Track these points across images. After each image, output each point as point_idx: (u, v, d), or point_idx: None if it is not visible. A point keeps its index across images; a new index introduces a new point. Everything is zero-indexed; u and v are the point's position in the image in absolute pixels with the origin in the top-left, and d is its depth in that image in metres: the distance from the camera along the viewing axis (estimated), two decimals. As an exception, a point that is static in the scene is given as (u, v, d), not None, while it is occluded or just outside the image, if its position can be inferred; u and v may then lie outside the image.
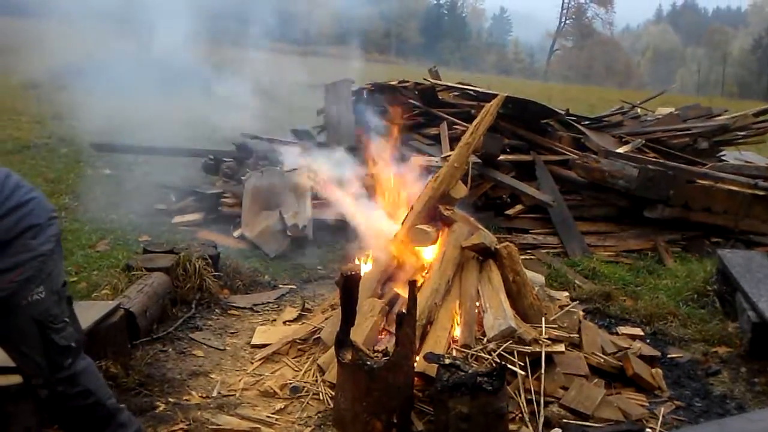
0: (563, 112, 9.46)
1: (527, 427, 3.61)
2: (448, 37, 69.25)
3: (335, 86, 9.76)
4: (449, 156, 5.62)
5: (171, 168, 10.31)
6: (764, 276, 5.34)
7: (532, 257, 6.76)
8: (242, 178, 8.06)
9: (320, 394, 3.88)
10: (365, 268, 4.64)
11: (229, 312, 5.28)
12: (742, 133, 10.33)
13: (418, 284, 4.20)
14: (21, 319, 2.67)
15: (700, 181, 7.61)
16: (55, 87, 14.62)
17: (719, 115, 10.85)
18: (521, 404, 3.70)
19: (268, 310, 5.40)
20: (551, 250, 7.06)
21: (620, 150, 8.47)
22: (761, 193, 7.73)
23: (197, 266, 5.31)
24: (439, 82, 10.53)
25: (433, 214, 4.62)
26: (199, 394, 3.95)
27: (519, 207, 7.76)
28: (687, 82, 48.69)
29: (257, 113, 14.93)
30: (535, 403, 3.72)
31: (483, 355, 3.79)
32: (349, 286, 3.39)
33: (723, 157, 10.30)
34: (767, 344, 4.60)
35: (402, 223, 4.66)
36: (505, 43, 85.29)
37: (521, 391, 3.75)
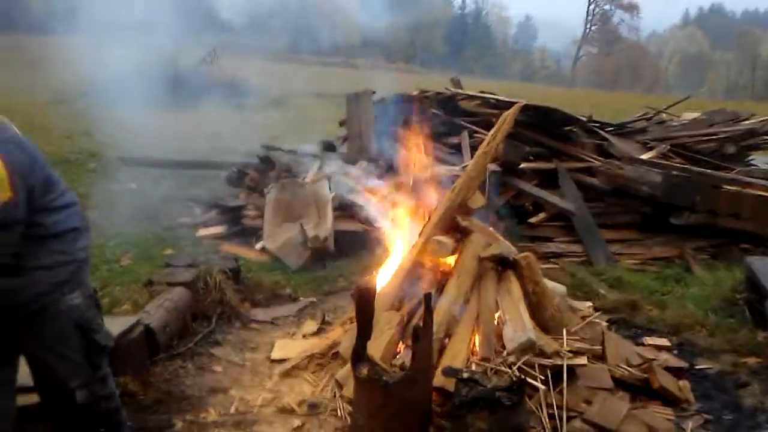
0: (585, 119, 9.33)
1: (549, 442, 3.52)
2: (473, 46, 69.09)
3: (356, 97, 9.77)
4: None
5: (196, 181, 10.43)
6: (794, 284, 5.19)
7: (555, 266, 6.64)
8: (264, 190, 8.07)
9: (338, 410, 3.83)
10: (383, 280, 4.57)
11: (249, 326, 5.24)
12: (771, 138, 10.11)
13: (436, 296, 4.13)
14: (62, 323, 2.78)
15: (727, 187, 7.43)
16: (86, 103, 14.83)
17: (746, 119, 10.64)
18: (543, 419, 3.60)
19: (288, 324, 5.36)
20: (575, 259, 6.93)
21: (644, 156, 8.32)
22: (790, 198, 7.54)
23: (218, 280, 5.28)
24: (460, 90, 10.47)
25: (451, 224, 4.54)
26: (217, 412, 3.91)
27: (542, 215, 7.64)
28: (716, 87, 48.04)
29: (281, 125, 15.05)
30: (557, 417, 3.62)
31: (503, 368, 3.70)
32: (364, 299, 3.33)
33: (752, 162, 10.08)
34: None
35: (420, 235, 4.59)
36: (530, 50, 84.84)
37: (543, 405, 3.65)
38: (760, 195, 7.42)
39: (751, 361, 4.77)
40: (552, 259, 6.87)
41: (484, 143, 4.74)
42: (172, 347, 4.61)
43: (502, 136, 4.74)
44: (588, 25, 71.93)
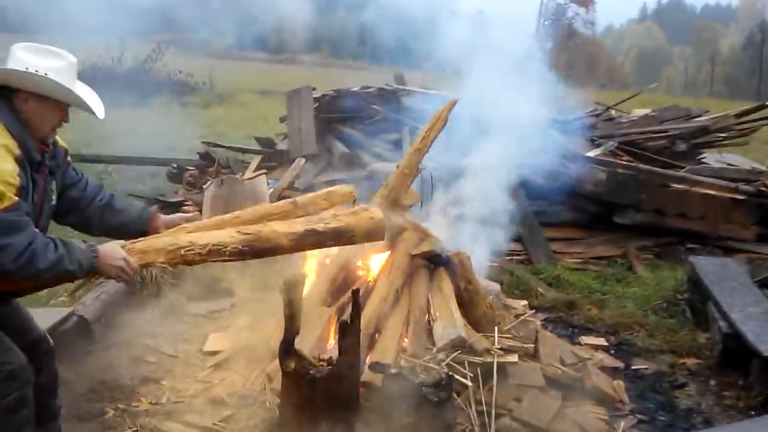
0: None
1: (477, 439, 3.71)
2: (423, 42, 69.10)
3: (296, 93, 10.09)
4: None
5: (140, 177, 10.97)
6: (738, 284, 5.45)
7: (494, 264, 6.87)
8: (203, 186, 8.24)
9: (267, 402, 4.00)
10: (314, 275, 4.72)
11: (183, 319, 5.42)
12: (724, 135, 10.52)
13: (367, 293, 4.29)
14: None
15: (675, 186, 7.76)
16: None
17: (699, 116, 11.05)
18: (471, 416, 3.79)
19: (223, 317, 5.55)
20: (515, 257, 7.16)
21: (590, 153, 8.63)
22: (741, 197, 7.89)
23: (154, 274, 5.58)
24: (402, 86, 10.72)
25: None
26: (149, 401, 4.13)
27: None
28: (674, 82, 49.45)
29: (225, 122, 16.08)
30: (486, 414, 3.81)
31: (432, 365, 3.88)
32: (292, 293, 3.47)
33: (703, 160, 10.49)
34: (738, 356, 4.68)
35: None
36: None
37: (472, 402, 3.85)
38: (708, 194, 7.77)
39: (690, 362, 5.06)
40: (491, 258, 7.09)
41: (418, 140, 4.93)
42: (108, 338, 4.85)
43: (436, 133, 4.92)
44: (541, 19, 72.95)
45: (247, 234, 3.21)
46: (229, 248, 3.14)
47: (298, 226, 3.34)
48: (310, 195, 3.77)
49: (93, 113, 3.02)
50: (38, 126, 2.88)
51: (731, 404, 4.49)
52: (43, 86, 2.82)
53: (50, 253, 2.69)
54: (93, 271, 2.88)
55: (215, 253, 3.11)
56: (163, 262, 3.02)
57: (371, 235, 3.48)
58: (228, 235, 3.19)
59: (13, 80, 2.80)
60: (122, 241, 3.08)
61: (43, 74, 2.80)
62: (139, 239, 3.13)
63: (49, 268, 2.69)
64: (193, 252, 3.06)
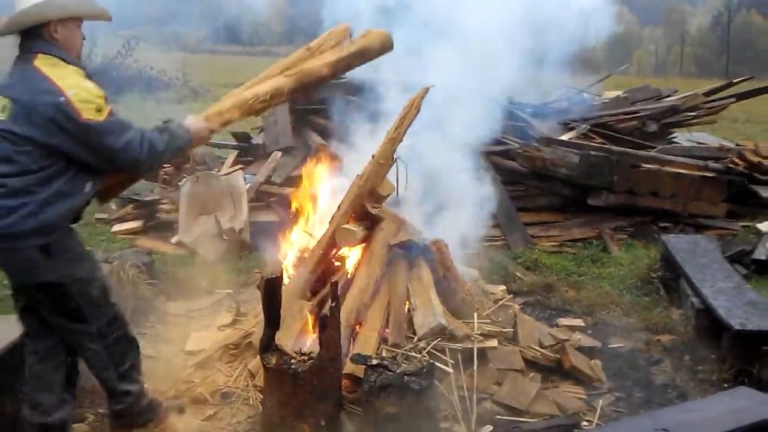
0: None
1: (460, 424, 3.76)
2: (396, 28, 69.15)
3: None
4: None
5: None
6: (709, 260, 5.53)
7: (472, 251, 6.92)
8: (179, 183, 8.29)
9: (250, 399, 4.02)
10: (292, 269, 4.73)
11: (164, 319, 5.41)
12: (693, 114, 10.62)
13: (346, 285, 4.32)
14: None
15: (646, 165, 7.84)
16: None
17: (669, 96, 11.15)
18: (454, 402, 3.84)
19: (204, 316, 5.55)
20: (493, 243, 7.20)
21: (564, 137, 8.68)
22: (710, 174, 8.00)
23: (130, 275, 5.47)
24: (376, 75, 10.64)
25: (361, 212, 4.71)
26: None
27: (462, 201, 7.89)
28: (645, 64, 49.62)
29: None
30: (468, 399, 3.86)
31: (413, 354, 3.92)
32: (270, 288, 3.48)
33: (674, 140, 10.59)
34: (711, 331, 4.73)
35: (329, 223, 4.75)
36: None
37: (454, 388, 3.90)
38: (678, 173, 7.86)
39: (665, 338, 5.13)
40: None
41: (391, 129, 4.92)
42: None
43: (410, 122, 4.92)
44: (514, 2, 72.83)
45: (294, 74, 3.82)
46: (285, 89, 3.75)
47: (329, 56, 3.99)
48: (317, 39, 4.19)
49: (108, 18, 3.29)
50: (74, 47, 3.12)
51: (705, 378, 4.55)
52: (69, 7, 3.05)
53: (159, 136, 3.15)
54: (191, 144, 3.42)
55: (276, 96, 3.74)
56: (238, 116, 3.63)
57: (384, 46, 4.22)
58: (280, 80, 3.77)
59: (40, 15, 2.97)
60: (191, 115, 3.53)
61: None
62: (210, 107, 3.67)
63: (166, 148, 3.19)
64: (259, 100, 3.66)
